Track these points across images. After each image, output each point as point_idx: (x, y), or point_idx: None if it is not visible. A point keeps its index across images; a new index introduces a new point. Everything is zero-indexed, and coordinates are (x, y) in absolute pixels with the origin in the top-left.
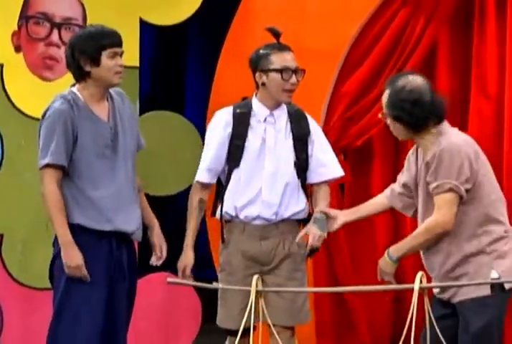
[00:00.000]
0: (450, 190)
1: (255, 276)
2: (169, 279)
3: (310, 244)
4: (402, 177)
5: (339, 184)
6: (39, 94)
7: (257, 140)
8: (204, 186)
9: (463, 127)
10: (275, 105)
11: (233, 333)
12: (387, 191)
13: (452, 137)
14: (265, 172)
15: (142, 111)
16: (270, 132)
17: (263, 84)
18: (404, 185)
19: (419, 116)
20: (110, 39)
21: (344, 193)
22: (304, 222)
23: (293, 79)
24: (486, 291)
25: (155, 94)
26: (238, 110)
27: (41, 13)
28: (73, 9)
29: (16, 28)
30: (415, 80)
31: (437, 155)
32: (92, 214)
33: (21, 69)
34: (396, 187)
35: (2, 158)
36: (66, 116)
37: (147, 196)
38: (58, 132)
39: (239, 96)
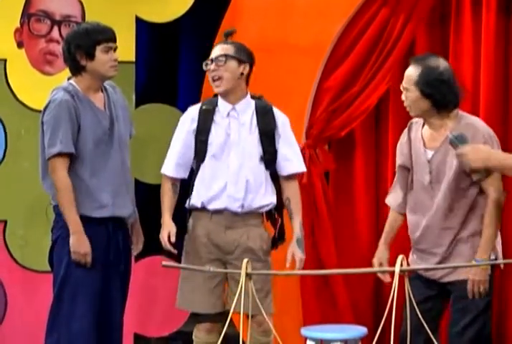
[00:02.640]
0: None
1: (245, 260)
2: (164, 263)
3: (298, 268)
4: (398, 161)
5: (324, 172)
6: (39, 87)
7: (221, 135)
8: (173, 179)
9: None
10: (236, 100)
11: (201, 319)
12: (393, 205)
13: (478, 120)
14: (230, 167)
15: (138, 103)
16: (234, 127)
17: None
18: (403, 167)
19: (447, 96)
20: (104, 35)
21: (329, 180)
22: (268, 214)
23: (211, 66)
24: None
25: (150, 87)
26: (204, 107)
27: (42, 11)
28: (72, 7)
29: (18, 25)
30: (444, 62)
31: (479, 139)
32: (91, 202)
33: (23, 63)
34: (398, 195)
35: (5, 148)
36: (70, 106)
37: (142, 183)
38: (64, 122)
39: None
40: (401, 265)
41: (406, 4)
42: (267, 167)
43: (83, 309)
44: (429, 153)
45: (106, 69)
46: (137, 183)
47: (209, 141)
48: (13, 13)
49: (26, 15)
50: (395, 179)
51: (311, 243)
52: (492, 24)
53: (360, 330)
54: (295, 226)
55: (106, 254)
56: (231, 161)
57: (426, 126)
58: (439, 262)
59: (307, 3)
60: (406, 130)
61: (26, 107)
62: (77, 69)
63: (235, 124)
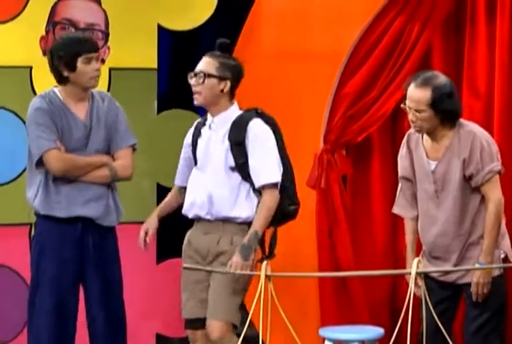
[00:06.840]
0: (499, 171)
1: (265, 262)
2: (184, 265)
3: (237, 276)
4: (400, 173)
5: (342, 177)
6: None
7: (202, 147)
8: (179, 187)
9: None
10: (216, 112)
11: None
12: (407, 215)
13: (476, 126)
14: (200, 178)
15: (159, 109)
16: (212, 139)
17: None
18: (405, 179)
19: (458, 108)
20: (85, 46)
21: (346, 185)
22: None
23: (192, 81)
24: (499, 271)
25: (172, 94)
26: (199, 120)
27: (67, 19)
28: (96, 16)
29: (44, 33)
30: (443, 76)
31: (477, 145)
32: (59, 203)
33: (48, 71)
34: (407, 205)
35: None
36: (46, 111)
37: (164, 188)
38: (44, 125)
39: (249, 96)
40: (417, 267)
41: (423, 12)
42: (245, 179)
43: (42, 301)
44: (432, 164)
45: (86, 80)
46: (158, 187)
47: (197, 154)
48: (39, 21)
49: (52, 23)
50: (399, 189)
51: (329, 246)
52: (506, 31)
53: (377, 331)
54: (249, 232)
55: (74, 250)
56: (205, 171)
57: (425, 137)
58: (453, 267)
59: (326, 10)
60: (404, 142)
61: None
62: (61, 80)
63: (214, 136)
